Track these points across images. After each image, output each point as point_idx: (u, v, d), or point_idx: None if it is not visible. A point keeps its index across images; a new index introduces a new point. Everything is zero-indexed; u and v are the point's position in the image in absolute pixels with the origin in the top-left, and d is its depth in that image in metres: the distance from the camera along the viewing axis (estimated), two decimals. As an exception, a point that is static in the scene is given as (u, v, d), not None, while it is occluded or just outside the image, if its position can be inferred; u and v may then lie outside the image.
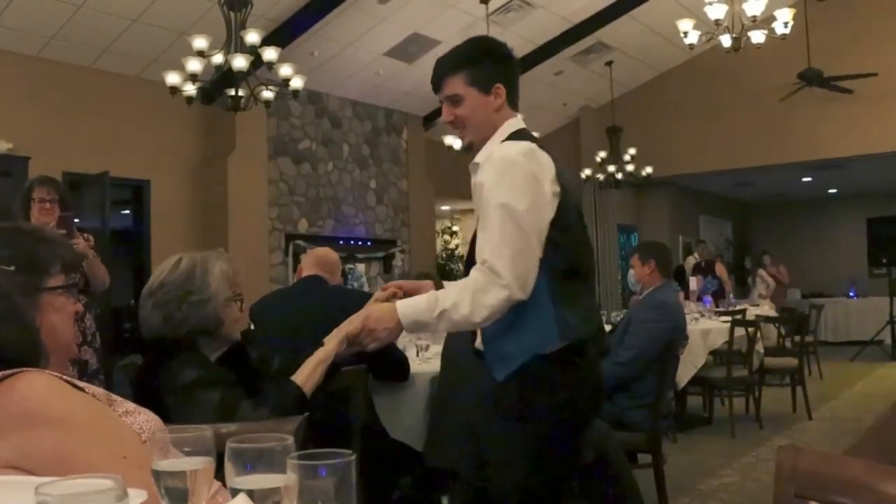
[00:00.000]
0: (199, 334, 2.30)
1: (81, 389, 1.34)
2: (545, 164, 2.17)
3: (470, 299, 2.06)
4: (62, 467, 1.18)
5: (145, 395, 2.12)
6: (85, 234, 4.25)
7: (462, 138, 2.34)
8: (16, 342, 1.33)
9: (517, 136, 2.26)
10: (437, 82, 2.32)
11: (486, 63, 2.29)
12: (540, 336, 2.15)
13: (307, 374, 2.29)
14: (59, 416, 1.25)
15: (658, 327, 4.36)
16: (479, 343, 2.29)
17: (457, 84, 2.27)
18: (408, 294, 2.26)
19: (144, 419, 1.42)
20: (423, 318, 2.12)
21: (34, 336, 1.37)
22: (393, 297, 2.28)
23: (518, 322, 2.14)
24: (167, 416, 2.11)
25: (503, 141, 2.24)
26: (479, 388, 2.30)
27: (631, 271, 4.92)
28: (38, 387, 1.27)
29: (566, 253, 2.18)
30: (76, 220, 4.11)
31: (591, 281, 2.36)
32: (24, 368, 1.29)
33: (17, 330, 1.34)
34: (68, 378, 1.33)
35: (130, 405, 1.44)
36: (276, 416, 2.12)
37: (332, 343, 2.28)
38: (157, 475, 0.97)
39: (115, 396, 1.43)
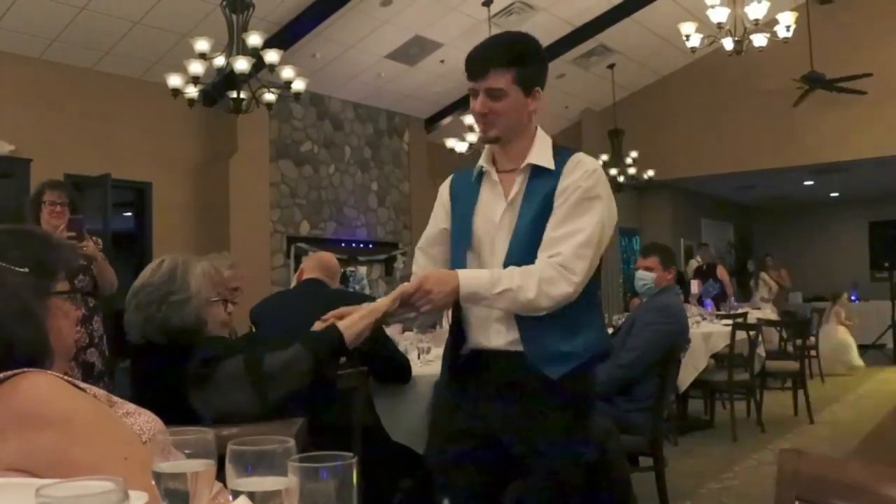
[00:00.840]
0: (180, 334, 2.30)
1: (83, 390, 1.34)
2: None
3: (536, 286, 2.13)
4: (63, 468, 1.19)
5: (160, 394, 2.12)
6: (94, 238, 4.29)
7: (486, 131, 2.29)
8: (27, 341, 1.35)
9: (561, 147, 2.33)
10: (481, 71, 2.23)
11: (533, 65, 2.27)
12: (595, 339, 2.30)
13: (351, 322, 2.27)
14: (61, 417, 1.26)
15: (661, 330, 4.34)
16: (506, 342, 2.26)
17: (503, 79, 2.21)
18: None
19: (145, 420, 1.43)
20: (483, 292, 2.16)
21: (45, 337, 1.39)
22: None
23: (576, 325, 2.24)
24: (193, 403, 2.13)
25: (573, 153, 2.29)
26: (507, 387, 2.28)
27: (642, 273, 4.79)
28: (41, 387, 1.28)
29: (599, 270, 2.32)
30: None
31: None
32: (27, 369, 1.30)
33: (30, 329, 1.36)
34: (69, 379, 1.34)
35: (131, 406, 1.45)
36: (309, 356, 2.17)
37: (384, 299, 2.27)
38: (158, 477, 0.97)
39: (115, 398, 1.44)
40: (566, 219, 2.19)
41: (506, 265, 2.23)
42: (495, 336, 2.28)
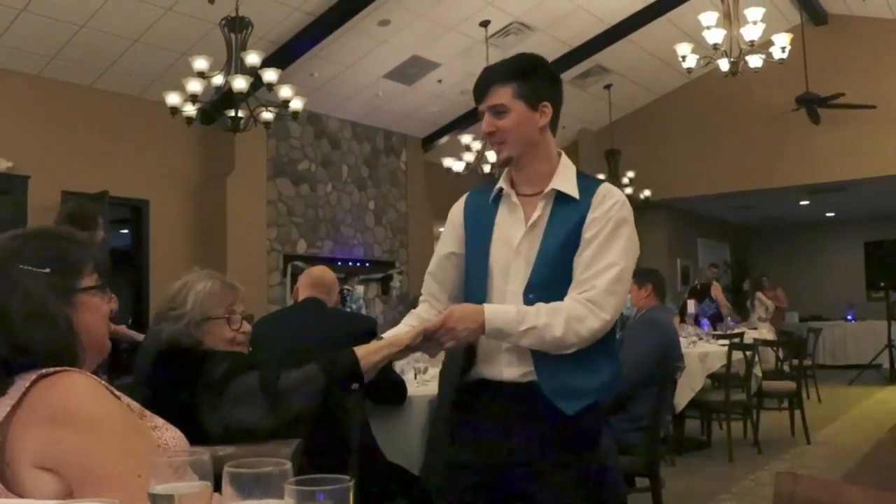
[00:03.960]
0: (175, 348, 2.33)
1: (118, 398, 1.37)
2: None
3: (564, 324, 2.07)
4: (84, 472, 1.23)
5: (170, 409, 2.13)
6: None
7: (499, 153, 2.26)
8: (44, 342, 1.37)
9: (586, 176, 2.30)
10: (483, 90, 2.22)
11: (535, 78, 2.23)
12: (612, 377, 2.24)
13: (369, 350, 2.23)
14: (91, 420, 1.29)
15: (648, 342, 4.45)
16: (518, 374, 2.20)
17: (503, 94, 2.19)
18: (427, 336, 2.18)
19: (171, 436, 1.46)
20: (509, 328, 2.10)
21: (65, 336, 1.40)
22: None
23: (595, 361, 2.18)
24: (202, 416, 2.13)
25: (601, 183, 2.25)
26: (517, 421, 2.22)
27: (627, 295, 4.92)
28: (78, 387, 1.32)
29: None
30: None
31: None
32: (70, 368, 1.33)
33: (46, 330, 1.38)
34: (107, 385, 1.37)
35: (160, 420, 1.48)
36: (323, 377, 2.18)
37: (407, 334, 2.21)
38: (154, 499, 0.97)
39: (147, 411, 1.47)
40: (598, 254, 2.13)
41: (526, 293, 2.17)
42: (506, 368, 2.21)
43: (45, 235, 1.51)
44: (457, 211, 2.39)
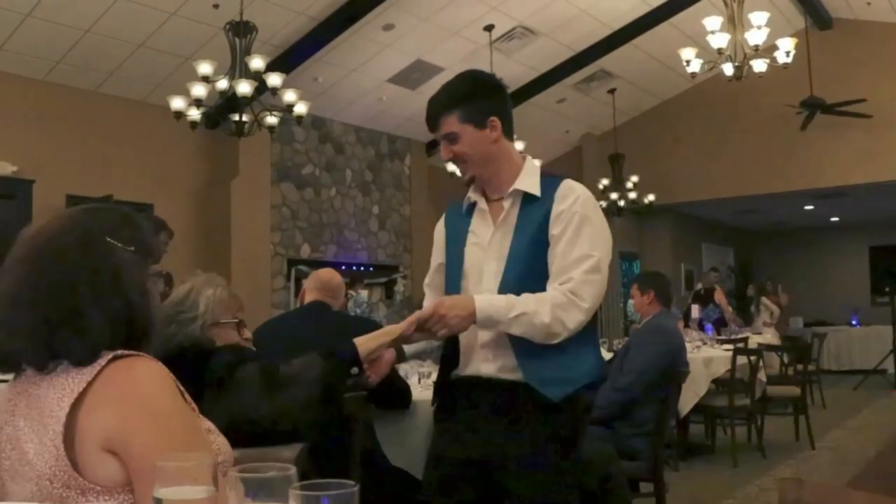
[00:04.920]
0: (188, 350, 2.35)
1: (183, 395, 1.39)
2: None
3: (550, 311, 2.16)
4: (142, 465, 1.24)
5: None
6: None
7: (464, 173, 2.38)
8: (145, 317, 1.42)
9: (549, 175, 2.36)
10: (433, 122, 2.34)
11: (477, 98, 2.31)
12: (592, 365, 2.32)
13: (366, 338, 2.31)
14: (161, 412, 1.31)
15: (655, 350, 4.44)
16: (495, 369, 2.29)
17: (451, 122, 2.29)
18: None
19: (223, 441, 1.49)
20: (499, 316, 2.17)
21: (153, 313, 1.46)
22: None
23: (574, 350, 2.25)
24: (206, 406, 2.15)
25: (563, 179, 2.32)
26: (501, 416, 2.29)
27: (630, 301, 4.96)
28: (154, 375, 1.34)
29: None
30: None
31: None
32: (142, 354, 1.36)
33: (146, 305, 1.43)
34: (175, 378, 1.39)
35: (211, 425, 1.51)
36: (321, 363, 2.23)
37: (400, 324, 2.28)
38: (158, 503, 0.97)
39: (200, 415, 1.48)
40: (570, 247, 2.22)
41: (500, 291, 2.25)
42: (483, 363, 2.30)
43: (130, 217, 1.53)
44: (439, 225, 2.56)
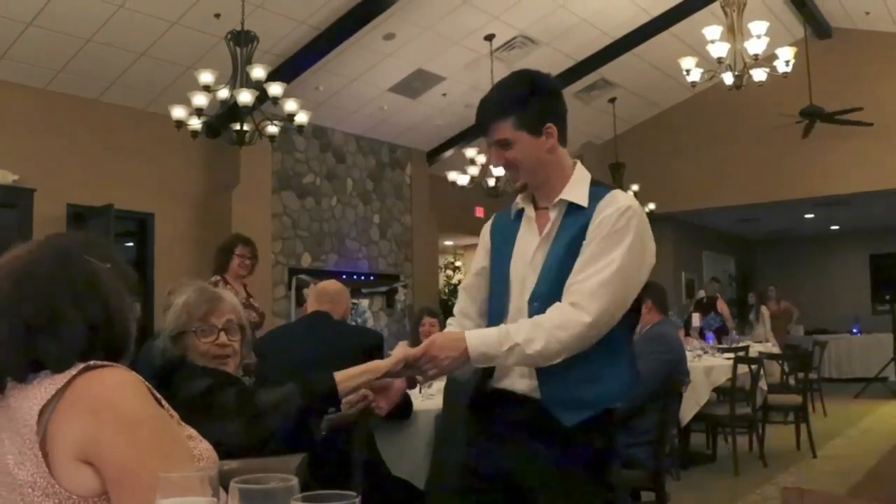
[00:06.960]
0: (165, 365, 2.34)
1: (159, 402, 1.40)
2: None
3: (545, 335, 2.05)
4: (118, 474, 1.26)
5: None
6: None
7: (515, 180, 2.26)
8: (123, 334, 1.45)
9: (599, 184, 2.27)
10: (484, 127, 2.21)
11: (533, 103, 2.18)
12: (615, 390, 2.18)
13: (348, 375, 2.22)
14: (132, 420, 1.31)
15: (656, 359, 4.43)
16: (528, 388, 2.19)
17: (505, 129, 2.17)
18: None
19: (206, 447, 1.49)
20: (492, 351, 2.08)
21: (127, 328, 1.47)
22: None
23: (597, 372, 2.14)
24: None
25: (611, 190, 2.22)
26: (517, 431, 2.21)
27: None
28: (124, 384, 1.35)
29: (637, 314, 2.26)
30: None
31: None
32: (115, 364, 1.37)
33: (114, 319, 1.43)
34: (152, 388, 1.40)
35: (194, 431, 1.51)
36: (301, 396, 2.18)
37: (387, 360, 2.20)
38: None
39: (182, 422, 1.49)
40: (591, 258, 2.12)
41: (531, 302, 2.17)
42: (519, 379, 2.21)
43: (101, 241, 1.57)
44: (485, 230, 2.44)
